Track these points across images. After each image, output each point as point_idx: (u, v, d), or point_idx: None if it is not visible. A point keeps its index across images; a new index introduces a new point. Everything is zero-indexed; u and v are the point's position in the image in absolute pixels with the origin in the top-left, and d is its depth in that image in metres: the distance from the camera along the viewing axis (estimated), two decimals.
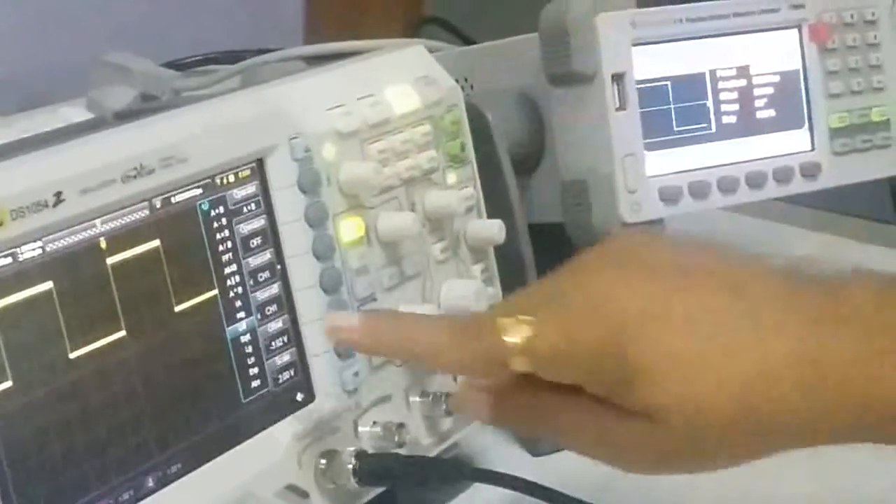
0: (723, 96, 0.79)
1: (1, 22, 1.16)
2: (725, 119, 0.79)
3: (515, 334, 0.53)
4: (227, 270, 0.60)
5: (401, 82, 0.69)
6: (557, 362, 0.53)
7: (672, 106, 0.77)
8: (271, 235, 0.62)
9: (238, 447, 0.59)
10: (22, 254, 0.51)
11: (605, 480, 0.66)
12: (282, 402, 0.62)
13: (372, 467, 0.62)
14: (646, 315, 0.53)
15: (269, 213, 0.62)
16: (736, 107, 0.80)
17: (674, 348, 0.52)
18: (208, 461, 0.58)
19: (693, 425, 0.52)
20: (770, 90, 0.81)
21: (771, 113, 0.81)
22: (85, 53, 1.09)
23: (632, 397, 0.52)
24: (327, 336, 0.60)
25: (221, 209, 0.60)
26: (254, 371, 0.61)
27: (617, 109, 0.75)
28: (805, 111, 0.81)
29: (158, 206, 0.57)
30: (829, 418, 0.53)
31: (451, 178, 0.70)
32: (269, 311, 0.61)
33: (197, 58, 1.14)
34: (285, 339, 0.62)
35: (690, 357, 0.52)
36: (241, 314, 0.60)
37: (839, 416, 0.53)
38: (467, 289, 0.69)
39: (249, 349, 0.61)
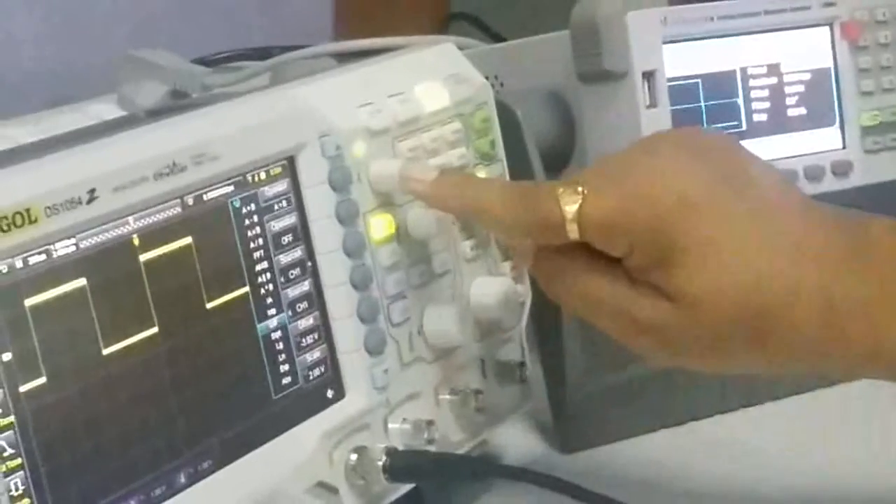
0: (753, 94, 0.79)
1: (24, 23, 1.16)
2: (756, 117, 0.79)
3: (571, 202, 0.56)
4: (259, 267, 0.60)
5: (431, 80, 0.69)
6: (606, 232, 0.57)
7: (703, 104, 0.77)
8: (302, 232, 0.62)
9: (269, 444, 0.60)
10: (56, 251, 0.51)
11: (634, 477, 0.66)
12: (312, 399, 0.62)
13: (402, 464, 0.62)
14: (699, 204, 0.56)
15: (300, 210, 0.62)
16: (767, 105, 0.79)
17: (718, 242, 0.56)
18: (239, 458, 0.58)
19: (714, 315, 0.56)
20: (801, 88, 0.80)
21: (802, 111, 0.80)
22: (106, 52, 1.10)
23: (667, 276, 0.56)
24: (399, 184, 0.63)
25: (253, 206, 0.60)
26: (284, 368, 0.61)
27: (648, 107, 0.75)
28: (836, 109, 0.81)
29: (191, 203, 0.57)
30: (840, 349, 0.57)
31: (483, 175, 0.70)
32: (299, 307, 0.62)
33: (226, 54, 1.15)
34: (316, 335, 0.62)
35: (730, 253, 0.56)
36: (272, 311, 0.61)
37: (849, 349, 0.57)
38: (497, 286, 0.69)
39: (280, 346, 0.61)
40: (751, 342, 0.56)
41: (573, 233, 0.56)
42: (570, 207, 0.56)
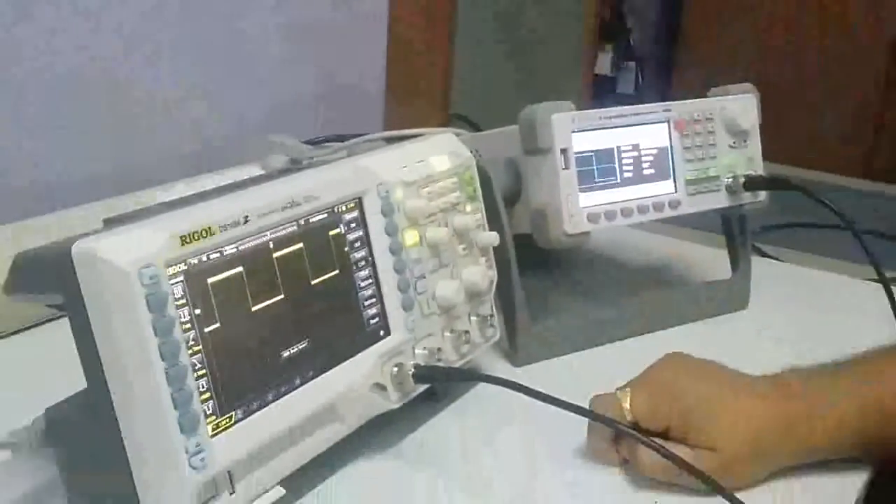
0: (624, 161, 0.78)
1: (202, 114, 1.16)
2: (625, 174, 0.78)
3: (625, 400, 0.59)
4: (342, 260, 0.60)
5: (439, 153, 0.69)
6: (648, 418, 0.59)
7: (595, 167, 0.77)
8: (366, 240, 0.62)
9: (347, 361, 0.59)
10: (225, 251, 0.51)
11: (562, 382, 0.65)
12: (372, 336, 0.62)
13: (423, 373, 0.62)
14: (695, 392, 0.59)
15: (365, 227, 0.62)
16: (631, 167, 0.79)
17: (715, 410, 0.58)
18: (331, 369, 0.58)
19: (734, 450, 0.57)
20: (651, 157, 0.80)
21: (652, 171, 0.80)
22: (252, 134, 1.10)
23: (697, 438, 0.57)
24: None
25: (339, 226, 0.60)
26: (357, 317, 0.61)
27: (563, 169, 0.74)
28: (671, 170, 0.81)
29: (303, 224, 0.57)
30: (799, 450, 0.59)
31: (468, 207, 0.70)
32: (365, 283, 0.62)
33: (322, 138, 1.15)
34: (374, 299, 0.62)
35: (725, 415, 0.58)
36: (350, 285, 0.61)
37: (802, 449, 0.59)
38: (477, 271, 0.69)
39: (354, 305, 0.61)
40: (758, 456, 0.58)
41: (629, 416, 0.59)
42: (625, 403, 0.59)
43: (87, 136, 1.00)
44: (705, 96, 0.84)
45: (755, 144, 0.85)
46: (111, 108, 1.03)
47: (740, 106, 0.83)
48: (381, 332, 0.62)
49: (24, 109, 0.94)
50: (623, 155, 0.78)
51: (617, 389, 0.60)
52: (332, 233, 0.59)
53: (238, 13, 1.15)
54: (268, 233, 0.54)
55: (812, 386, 0.60)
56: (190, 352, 0.48)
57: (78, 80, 0.98)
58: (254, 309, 0.53)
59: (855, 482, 0.62)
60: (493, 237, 0.70)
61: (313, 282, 0.57)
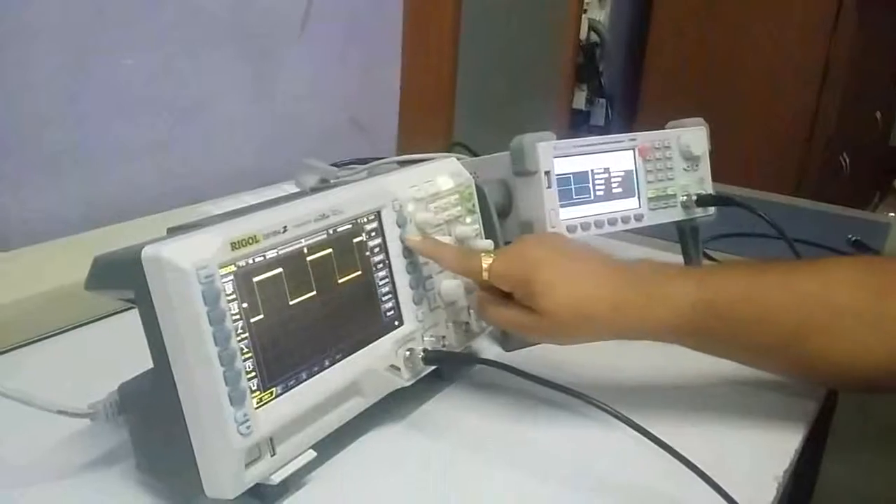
0: (597, 182, 0.78)
1: (245, 146, 1.16)
2: (598, 192, 0.79)
3: (486, 262, 0.59)
4: (363, 263, 0.60)
5: (443, 174, 0.69)
6: (500, 279, 0.58)
7: (573, 186, 0.77)
8: (384, 246, 0.62)
9: (368, 346, 0.59)
10: (267, 255, 0.51)
11: (545, 363, 0.64)
12: (388, 325, 0.62)
13: (430, 356, 0.62)
14: (546, 264, 0.57)
15: (383, 236, 0.62)
16: (603, 187, 0.79)
17: (555, 282, 0.56)
18: (355, 353, 0.58)
19: (559, 320, 0.56)
20: (619, 178, 0.80)
21: (620, 189, 0.80)
22: (290, 159, 1.10)
23: (533, 302, 0.56)
24: (407, 243, 0.62)
25: (361, 234, 0.60)
26: (375, 310, 0.61)
27: (546, 188, 0.75)
28: (636, 188, 0.81)
29: (331, 232, 0.57)
30: (624, 327, 0.57)
31: (468, 220, 0.70)
32: (383, 281, 0.62)
33: (346, 161, 1.15)
34: (390, 295, 0.62)
35: (562, 288, 0.56)
36: (370, 283, 0.61)
37: (628, 326, 0.57)
38: None
39: (374, 300, 0.61)
40: (580, 329, 0.57)
41: (485, 276, 0.59)
42: (485, 264, 0.59)
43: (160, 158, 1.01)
44: (664, 128, 0.84)
45: (705, 168, 0.85)
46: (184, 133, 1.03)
47: (693, 136, 0.83)
48: (396, 323, 0.62)
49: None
50: (596, 176, 0.78)
51: (484, 253, 0.61)
52: (355, 240, 0.59)
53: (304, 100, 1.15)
54: (303, 240, 0.54)
55: (657, 278, 0.58)
56: (238, 338, 0.48)
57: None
58: (291, 303, 0.53)
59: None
60: (488, 244, 0.70)
61: (340, 281, 0.57)
